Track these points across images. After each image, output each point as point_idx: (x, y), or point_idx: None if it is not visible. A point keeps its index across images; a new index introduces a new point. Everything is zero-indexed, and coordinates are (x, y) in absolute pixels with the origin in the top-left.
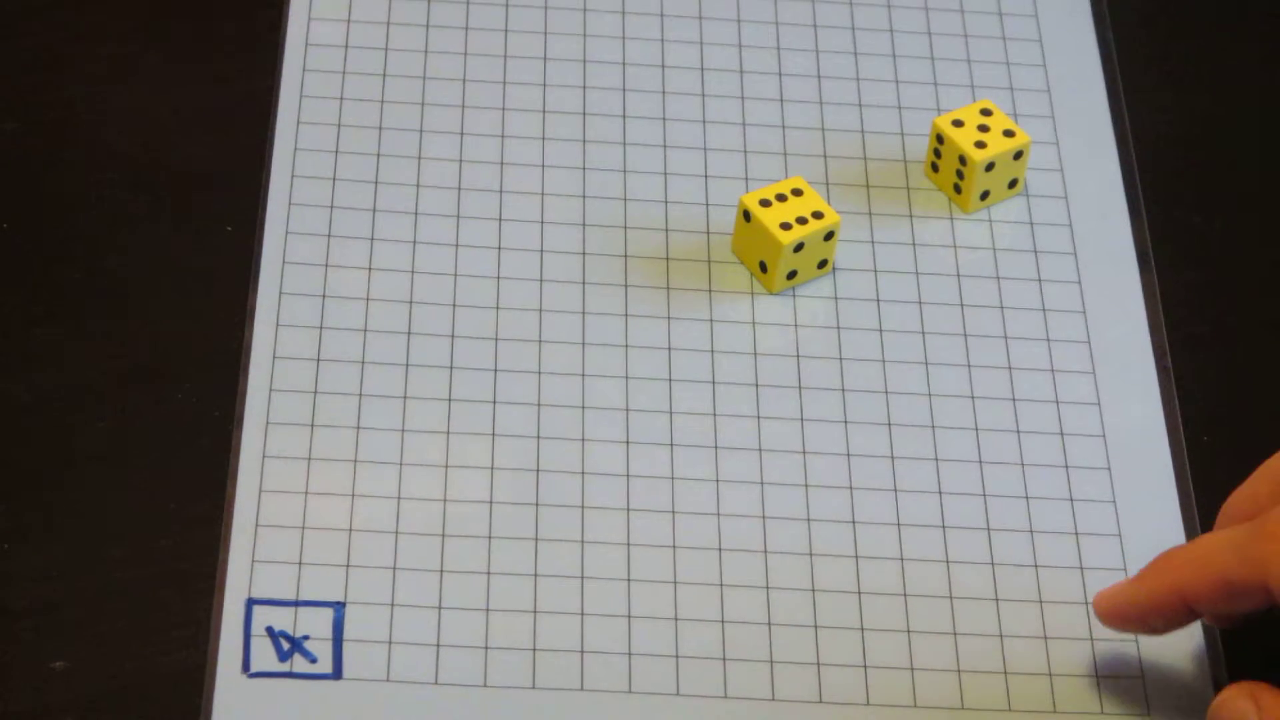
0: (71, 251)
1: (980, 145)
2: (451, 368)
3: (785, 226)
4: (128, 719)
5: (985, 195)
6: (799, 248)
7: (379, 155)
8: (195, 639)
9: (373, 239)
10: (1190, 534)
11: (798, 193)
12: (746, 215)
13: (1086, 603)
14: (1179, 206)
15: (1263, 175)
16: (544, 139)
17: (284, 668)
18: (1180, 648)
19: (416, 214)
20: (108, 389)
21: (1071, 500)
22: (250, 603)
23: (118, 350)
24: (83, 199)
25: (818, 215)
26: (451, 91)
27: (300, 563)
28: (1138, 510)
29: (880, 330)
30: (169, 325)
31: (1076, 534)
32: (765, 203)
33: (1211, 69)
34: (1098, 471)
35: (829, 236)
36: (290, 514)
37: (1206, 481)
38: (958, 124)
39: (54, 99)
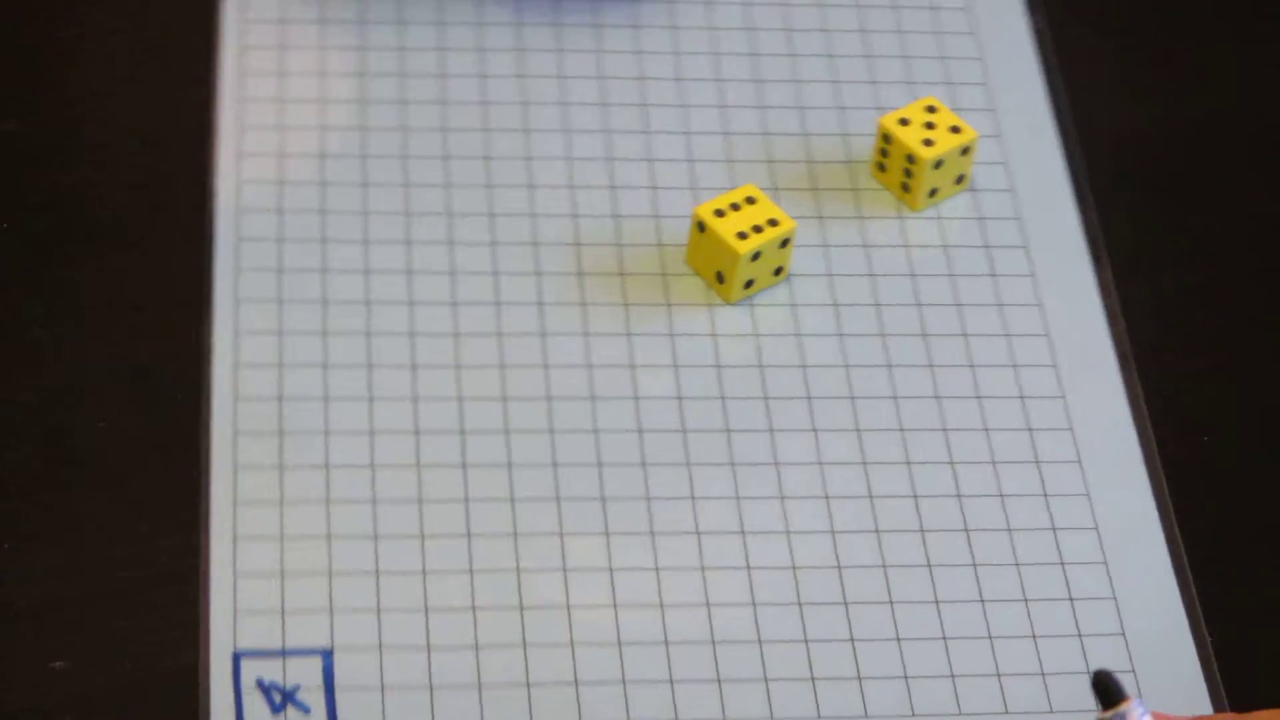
0: (71, 251)
1: (928, 143)
2: (415, 399)
3: (741, 235)
4: (127, 719)
5: (933, 193)
6: (756, 256)
7: (324, 184)
8: (195, 639)
9: (324, 270)
10: (1165, 522)
11: (751, 201)
12: (701, 226)
13: (1072, 598)
14: (1175, 205)
15: (1257, 174)
16: (487, 159)
17: None
18: (1176, 649)
19: (366, 242)
20: (108, 389)
21: (1045, 496)
22: (237, 656)
23: (118, 350)
24: (83, 199)
25: (773, 223)
26: (388, 114)
27: (283, 610)
28: (1110, 504)
29: (840, 335)
30: (169, 326)
31: (1054, 529)
32: (719, 213)
33: (1170, 60)
34: (1068, 465)
35: (785, 243)
36: (267, 560)
37: (1181, 483)
38: (904, 122)
39: (54, 99)
